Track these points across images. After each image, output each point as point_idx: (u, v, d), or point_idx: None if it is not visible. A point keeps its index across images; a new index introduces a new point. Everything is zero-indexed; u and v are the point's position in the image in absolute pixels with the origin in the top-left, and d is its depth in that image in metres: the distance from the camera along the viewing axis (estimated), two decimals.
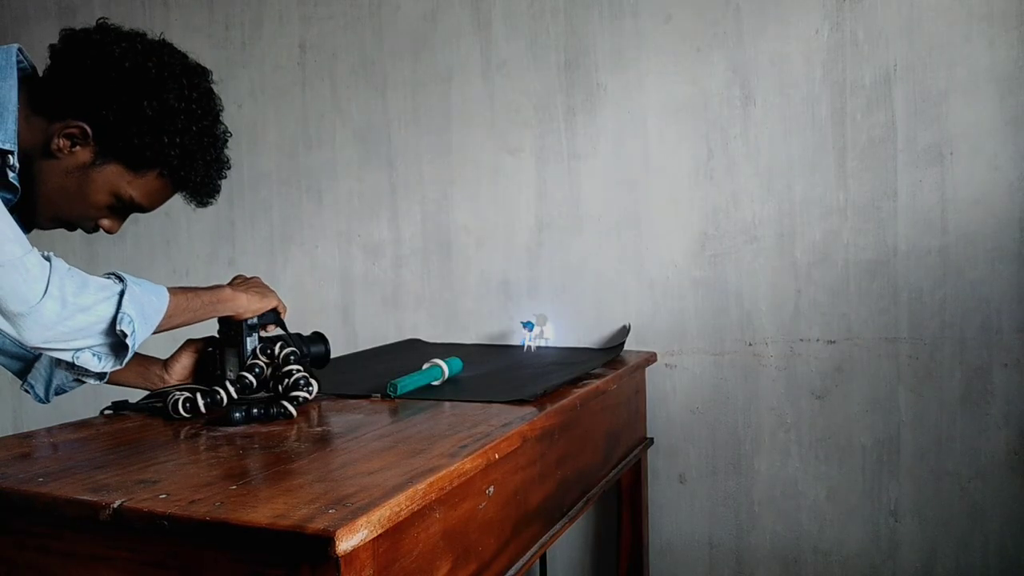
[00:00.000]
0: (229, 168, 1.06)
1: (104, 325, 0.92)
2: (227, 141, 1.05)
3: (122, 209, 1.01)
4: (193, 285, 1.11)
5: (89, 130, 0.93)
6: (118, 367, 0.98)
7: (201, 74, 1.01)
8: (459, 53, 1.97)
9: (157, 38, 1.00)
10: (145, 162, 0.96)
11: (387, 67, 2.05)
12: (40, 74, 0.98)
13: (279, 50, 2.18)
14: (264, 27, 2.19)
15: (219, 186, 1.05)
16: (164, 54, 0.97)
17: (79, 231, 1.04)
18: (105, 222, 1.02)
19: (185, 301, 1.04)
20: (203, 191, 1.04)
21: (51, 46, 0.96)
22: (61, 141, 0.93)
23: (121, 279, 0.96)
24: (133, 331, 0.93)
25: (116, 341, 0.94)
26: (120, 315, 0.92)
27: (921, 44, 1.56)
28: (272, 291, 1.19)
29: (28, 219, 0.99)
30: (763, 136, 1.69)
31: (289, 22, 2.16)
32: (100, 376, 1.00)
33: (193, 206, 1.06)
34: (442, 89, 1.99)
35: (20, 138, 0.93)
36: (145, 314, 0.96)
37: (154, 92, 0.94)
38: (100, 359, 0.95)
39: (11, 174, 0.93)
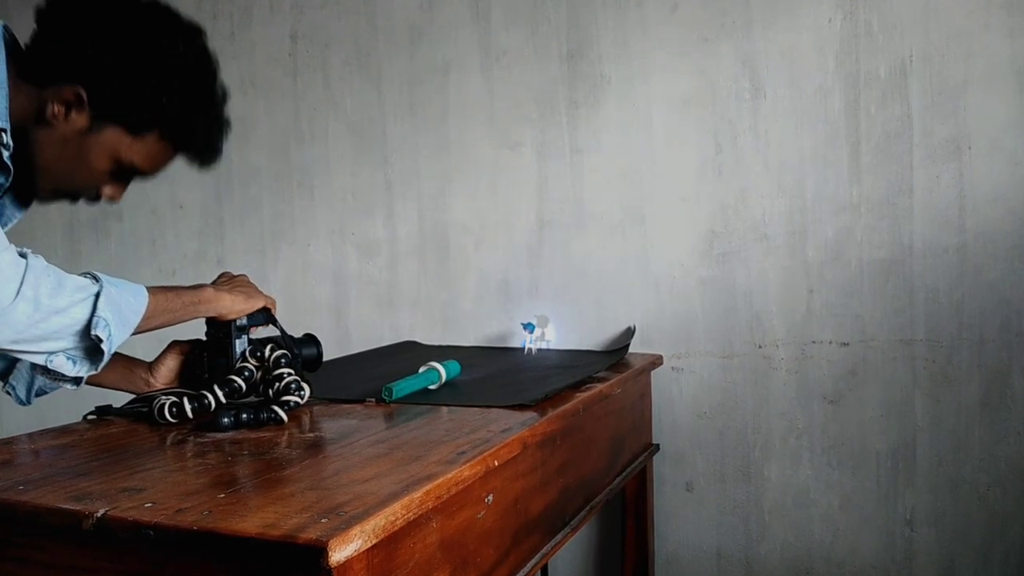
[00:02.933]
0: (230, 128, 1.05)
1: (79, 327, 0.91)
2: (227, 99, 1.04)
3: (123, 174, 1.00)
4: (175, 284, 1.11)
5: (84, 94, 0.92)
6: (93, 372, 0.97)
7: (196, 32, 1.00)
8: (457, 44, 1.97)
9: None
10: (144, 124, 0.95)
11: (382, 58, 2.05)
12: (24, 43, 0.97)
13: (269, 40, 2.18)
14: (253, 16, 2.19)
15: (221, 147, 1.04)
16: (157, 13, 0.97)
17: (74, 215, 1.05)
18: (107, 189, 1.01)
19: (165, 301, 1.03)
20: (205, 152, 1.02)
21: (37, 8, 0.94)
22: (55, 107, 0.92)
23: (97, 279, 0.94)
24: (109, 335, 0.92)
25: (91, 345, 0.93)
26: (95, 319, 0.91)
27: (938, 34, 1.56)
28: (259, 291, 1.19)
29: (26, 193, 0.99)
30: (773, 130, 1.69)
31: (279, 11, 2.16)
32: (76, 380, 0.99)
33: (196, 167, 1.05)
34: (439, 81, 1.99)
35: (11, 111, 0.91)
36: (122, 316, 0.95)
37: (149, 51, 0.93)
38: (75, 363, 0.94)
39: (4, 153, 0.92)
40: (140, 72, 0.92)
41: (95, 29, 0.92)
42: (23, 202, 1.03)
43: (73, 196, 1.02)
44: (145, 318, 0.99)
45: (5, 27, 0.96)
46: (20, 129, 0.93)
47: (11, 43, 0.96)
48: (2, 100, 0.91)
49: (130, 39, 0.93)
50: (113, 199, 1.02)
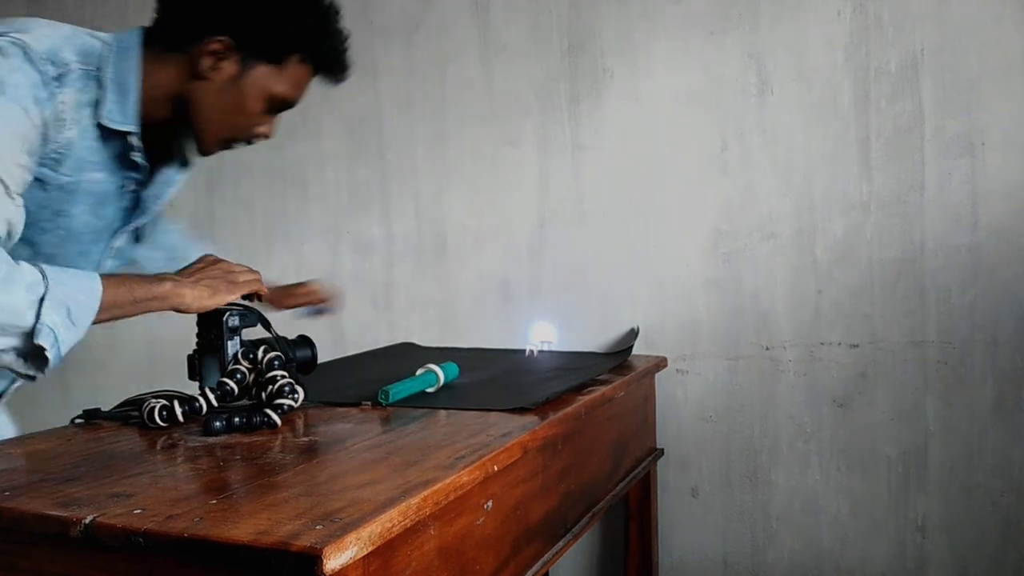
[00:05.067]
0: (350, 40, 1.14)
1: (26, 328, 0.88)
2: (340, 13, 1.13)
3: (274, 110, 1.11)
4: (136, 273, 1.07)
5: (229, 40, 1.02)
6: (40, 375, 0.94)
7: None
8: (455, 36, 1.97)
9: None
10: (285, 51, 1.06)
11: (378, 51, 2.05)
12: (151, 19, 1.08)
13: None
14: None
15: (349, 59, 1.14)
16: None
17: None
18: (263, 128, 1.12)
19: (118, 295, 0.98)
20: (338, 66, 1.13)
21: None
22: (206, 61, 1.03)
23: (45, 277, 0.90)
24: (54, 343, 0.89)
25: (38, 349, 0.90)
26: (38, 327, 0.88)
27: (950, 26, 1.56)
28: (234, 283, 1.11)
29: (197, 149, 1.12)
30: (781, 126, 1.69)
31: None
32: (29, 377, 0.96)
33: (332, 84, 1.15)
34: (437, 75, 1.99)
35: (164, 80, 1.04)
36: (73, 317, 0.91)
37: None
38: (26, 361, 0.92)
39: (136, 155, 1.05)
40: (274, 6, 1.04)
41: None
42: (183, 160, 1.18)
43: (230, 144, 1.13)
44: (101, 311, 0.95)
45: (143, 29, 1.06)
46: (176, 98, 1.06)
47: (143, 33, 1.06)
48: (132, 105, 1.03)
49: None
50: (268, 136, 1.14)
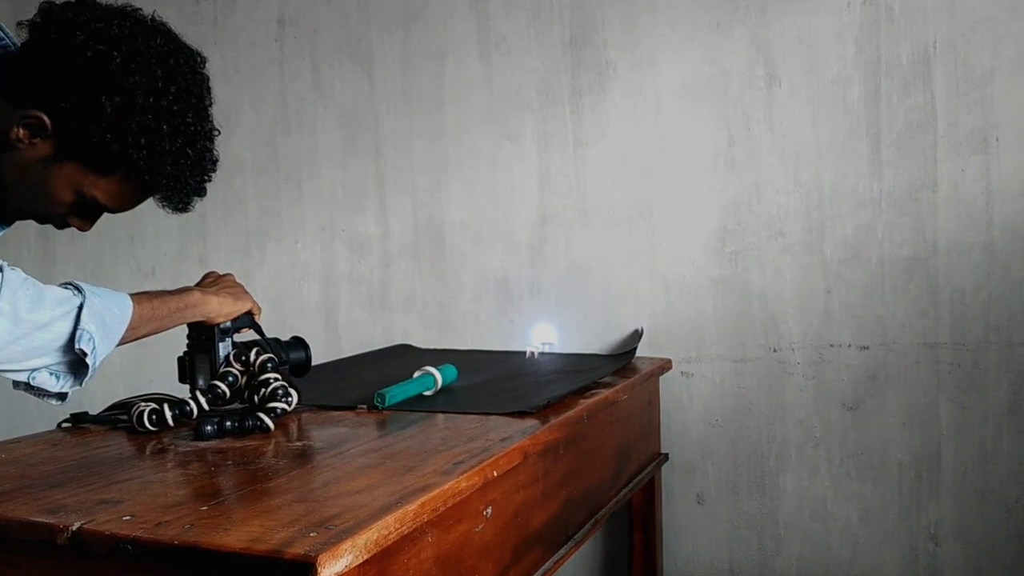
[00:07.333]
0: (214, 169, 1.03)
1: (62, 342, 0.92)
2: (212, 138, 1.01)
3: (88, 209, 0.98)
4: (159, 289, 1.11)
5: (48, 122, 0.90)
6: (77, 387, 0.97)
7: (184, 63, 0.96)
8: (454, 28, 1.97)
9: (148, 17, 0.96)
10: (106, 164, 0.93)
11: (374, 44, 2.05)
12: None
13: (255, 25, 2.18)
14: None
15: (201, 188, 1.01)
16: (139, 41, 0.92)
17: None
18: (74, 220, 0.99)
19: (150, 310, 1.04)
20: (177, 196, 1.00)
21: (31, 20, 0.93)
22: (20, 131, 0.90)
23: (79, 290, 0.95)
24: (93, 348, 0.93)
25: (75, 359, 0.94)
26: (79, 332, 0.92)
27: (963, 19, 1.56)
28: (246, 292, 1.20)
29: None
30: (789, 121, 1.69)
31: None
32: (60, 396, 0.99)
33: (168, 211, 1.03)
34: (435, 68, 2.00)
35: None
36: (107, 328, 0.95)
37: (116, 87, 0.89)
38: (58, 378, 0.95)
39: None
40: (103, 110, 0.89)
41: (64, 56, 0.90)
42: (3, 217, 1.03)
43: (40, 219, 1.00)
44: (130, 328, 1.00)
45: (1, 28, 0.95)
46: None
47: (9, 48, 0.95)
48: None
49: (97, 72, 0.89)
50: (81, 229, 1.01)
